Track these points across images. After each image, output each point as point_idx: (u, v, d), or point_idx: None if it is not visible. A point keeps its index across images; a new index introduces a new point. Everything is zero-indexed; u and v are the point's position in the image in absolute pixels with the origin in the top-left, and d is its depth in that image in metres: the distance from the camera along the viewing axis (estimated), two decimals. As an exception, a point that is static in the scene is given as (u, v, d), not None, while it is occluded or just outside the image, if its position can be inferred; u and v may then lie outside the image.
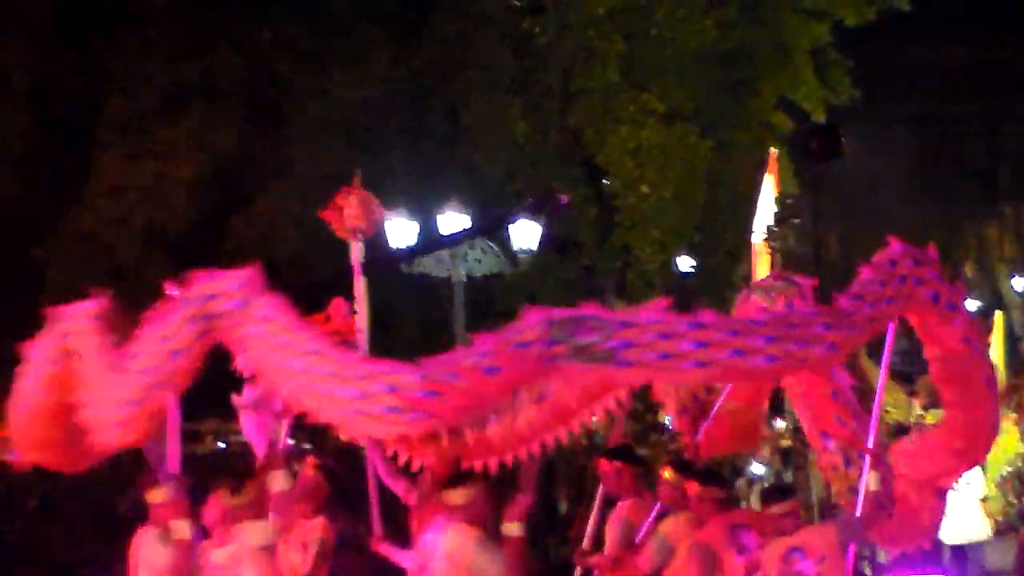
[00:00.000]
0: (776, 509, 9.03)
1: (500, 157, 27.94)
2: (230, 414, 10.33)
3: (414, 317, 27.26)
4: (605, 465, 10.84)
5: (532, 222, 23.15)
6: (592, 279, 28.12)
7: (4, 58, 26.41)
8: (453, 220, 23.04)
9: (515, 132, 27.97)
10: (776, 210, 21.88)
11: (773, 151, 23.70)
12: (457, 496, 8.81)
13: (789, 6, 28.31)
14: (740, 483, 19.85)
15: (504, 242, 24.15)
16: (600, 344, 7.37)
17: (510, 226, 23.16)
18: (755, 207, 22.53)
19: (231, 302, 8.00)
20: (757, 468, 19.07)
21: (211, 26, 26.99)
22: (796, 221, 22.26)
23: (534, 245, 23.49)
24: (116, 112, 26.62)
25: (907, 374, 19.39)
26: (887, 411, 19.82)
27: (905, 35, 34.80)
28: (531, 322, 7.42)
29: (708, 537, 9.65)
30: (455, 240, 22.34)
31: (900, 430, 16.90)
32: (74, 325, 8.51)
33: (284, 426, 9.85)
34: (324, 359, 7.66)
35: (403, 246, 23.00)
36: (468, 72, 28.04)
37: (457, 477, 8.92)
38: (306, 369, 7.66)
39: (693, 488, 9.90)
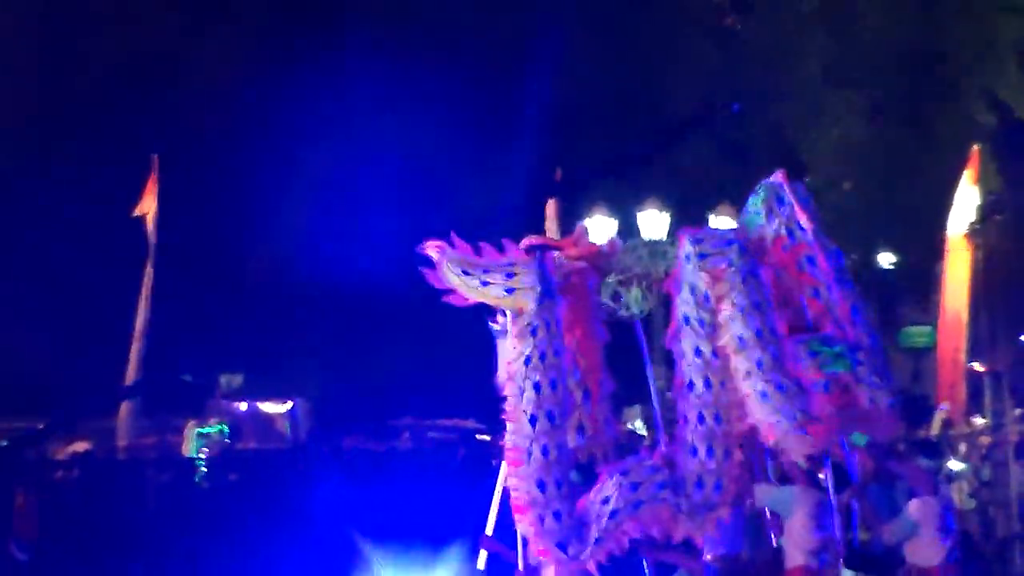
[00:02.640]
0: None
1: (702, 153, 28.11)
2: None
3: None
4: None
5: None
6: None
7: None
8: (652, 217, 23.17)
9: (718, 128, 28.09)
10: (979, 206, 21.66)
11: (975, 147, 23.51)
12: None
13: (995, 2, 27.93)
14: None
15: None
16: None
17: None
18: (954, 203, 22.36)
19: None
20: (955, 464, 18.88)
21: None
22: (999, 217, 22.01)
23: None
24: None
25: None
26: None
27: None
28: None
29: None
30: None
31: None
32: None
33: None
34: None
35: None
36: (672, 69, 28.26)
37: None
38: None
39: None
